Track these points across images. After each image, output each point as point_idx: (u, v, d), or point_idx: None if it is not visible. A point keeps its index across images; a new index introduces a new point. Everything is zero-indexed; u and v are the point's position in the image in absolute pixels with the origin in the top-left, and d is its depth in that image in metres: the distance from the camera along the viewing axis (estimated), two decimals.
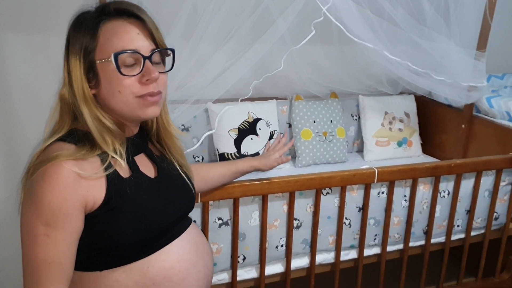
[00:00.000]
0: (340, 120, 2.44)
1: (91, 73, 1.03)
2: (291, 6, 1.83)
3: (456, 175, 1.88)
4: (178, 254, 1.11)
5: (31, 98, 1.97)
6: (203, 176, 1.43)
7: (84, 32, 1.02)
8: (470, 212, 1.97)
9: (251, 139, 2.22)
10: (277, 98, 2.41)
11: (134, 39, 1.02)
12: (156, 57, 1.05)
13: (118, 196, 1.02)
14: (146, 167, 1.12)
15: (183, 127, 2.18)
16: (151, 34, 1.05)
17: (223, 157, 2.18)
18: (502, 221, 2.07)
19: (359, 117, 2.56)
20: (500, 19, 2.62)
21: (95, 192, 1.00)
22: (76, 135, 1.03)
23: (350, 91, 2.55)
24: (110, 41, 1.01)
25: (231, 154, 2.19)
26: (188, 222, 1.19)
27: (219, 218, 1.60)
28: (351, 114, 2.57)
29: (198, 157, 2.26)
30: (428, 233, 1.92)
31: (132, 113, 1.06)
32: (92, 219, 1.01)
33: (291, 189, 1.63)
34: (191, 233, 1.17)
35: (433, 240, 1.95)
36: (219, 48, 1.91)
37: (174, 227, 1.13)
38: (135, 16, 1.04)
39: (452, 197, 1.92)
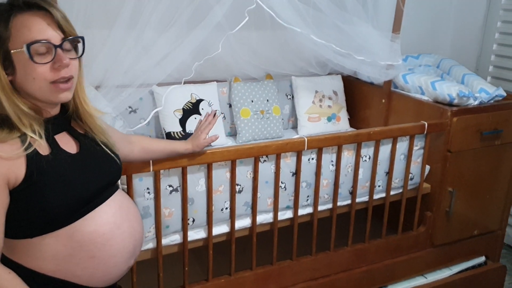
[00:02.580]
0: (275, 99, 2.67)
1: (7, 61, 1.12)
2: None
3: (375, 142, 2.15)
4: (101, 219, 1.23)
5: None
6: (144, 147, 1.61)
7: None
8: (389, 173, 2.25)
9: (195, 118, 2.41)
10: (217, 81, 2.59)
11: (44, 30, 1.13)
12: (67, 45, 1.17)
13: (38, 172, 1.12)
14: (68, 144, 1.23)
15: (130, 108, 2.34)
16: (60, 25, 1.15)
17: (169, 136, 2.36)
18: (417, 181, 2.36)
19: (292, 96, 2.80)
20: (413, 5, 2.96)
21: (16, 169, 1.10)
22: None
23: (284, 72, 2.78)
24: (21, 32, 1.11)
25: (176, 132, 2.37)
26: (113, 189, 1.30)
27: (170, 185, 1.78)
28: (285, 94, 2.81)
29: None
30: (353, 193, 2.18)
31: (46, 98, 1.17)
32: (17, 193, 1.12)
33: (232, 157, 1.83)
34: (116, 200, 1.29)
35: (358, 200, 2.21)
36: (162, 34, 2.03)
37: (98, 196, 1.24)
38: (44, 9, 1.14)
39: (372, 161, 2.19)
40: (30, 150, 1.12)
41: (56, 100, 1.19)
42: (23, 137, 1.13)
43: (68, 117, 1.29)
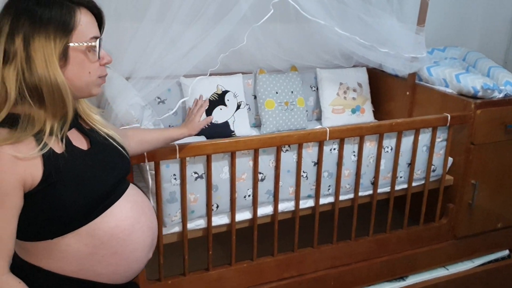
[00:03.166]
0: (300, 91, 2.71)
1: (61, 54, 1.09)
2: None
3: (398, 133, 2.18)
4: (120, 214, 1.22)
5: None
6: (140, 139, 1.58)
7: (59, 15, 1.08)
8: (411, 165, 2.27)
9: (220, 109, 2.48)
10: (243, 73, 2.66)
11: (96, 28, 1.17)
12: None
13: (56, 171, 1.10)
14: (79, 141, 1.21)
15: (159, 99, 2.43)
16: (103, 25, 1.21)
17: None
18: (439, 172, 2.38)
19: (317, 88, 2.84)
20: None
21: (33, 170, 1.07)
22: (10, 119, 1.08)
23: (309, 64, 2.82)
24: (84, 28, 1.12)
25: None
26: (126, 184, 1.29)
27: (195, 172, 1.85)
28: (310, 86, 2.85)
29: (173, 127, 2.51)
30: (374, 183, 2.22)
31: (88, 91, 1.18)
32: (35, 194, 1.08)
33: (255, 146, 1.89)
34: (131, 194, 1.28)
35: (379, 190, 2.24)
36: (189, 27, 2.09)
37: (114, 191, 1.23)
38: (95, 8, 1.17)
39: (394, 152, 2.22)
40: (45, 150, 1.09)
41: (96, 93, 1.21)
42: (37, 135, 1.09)
43: (76, 114, 1.27)
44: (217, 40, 2.11)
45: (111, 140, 1.29)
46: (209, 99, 2.45)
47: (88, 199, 1.15)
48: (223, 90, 2.50)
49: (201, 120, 1.71)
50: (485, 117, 2.30)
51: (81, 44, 1.12)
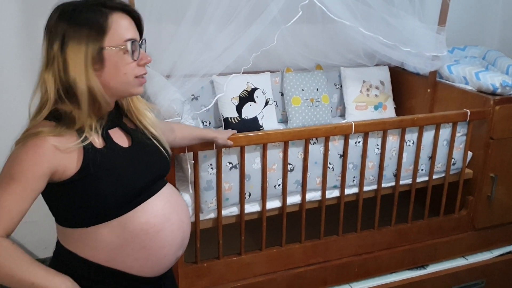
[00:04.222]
0: (324, 89, 2.84)
1: (96, 58, 1.17)
2: None
3: (419, 127, 2.30)
4: (152, 210, 1.28)
5: None
6: (184, 134, 1.73)
7: (91, 21, 1.17)
8: (432, 158, 2.39)
9: (250, 105, 2.63)
10: (270, 71, 2.79)
11: (132, 30, 1.23)
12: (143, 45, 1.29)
13: (93, 164, 1.18)
14: (120, 139, 1.29)
15: (193, 96, 2.59)
16: (141, 27, 1.27)
17: (227, 121, 2.59)
18: (459, 166, 2.48)
19: (341, 86, 2.97)
20: None
21: (69, 162, 1.16)
22: (57, 114, 1.19)
23: (333, 63, 2.94)
24: (118, 30, 1.18)
25: (233, 118, 2.60)
26: (162, 183, 1.35)
27: (230, 162, 2.00)
28: (334, 84, 2.98)
29: (206, 122, 2.68)
30: (397, 175, 2.34)
31: (126, 91, 1.26)
32: (72, 184, 1.17)
33: (285, 139, 2.03)
34: (165, 193, 1.34)
35: (401, 182, 2.36)
36: (222, 29, 2.23)
37: (149, 188, 1.29)
38: (132, 11, 1.25)
39: (416, 146, 2.33)
40: (86, 143, 1.18)
41: (136, 92, 1.29)
42: (79, 130, 1.18)
43: (120, 114, 1.35)
44: (249, 41, 2.24)
45: (154, 140, 1.36)
46: (240, 96, 2.60)
47: (122, 193, 1.22)
48: (253, 87, 2.65)
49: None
50: (503, 113, 2.40)
51: (115, 47, 1.19)
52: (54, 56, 1.17)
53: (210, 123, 2.69)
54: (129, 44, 1.21)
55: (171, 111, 1.86)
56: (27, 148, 1.13)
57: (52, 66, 1.17)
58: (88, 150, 1.19)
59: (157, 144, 1.37)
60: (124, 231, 1.24)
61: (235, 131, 1.95)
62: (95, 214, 1.22)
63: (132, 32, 1.23)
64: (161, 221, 1.30)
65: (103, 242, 1.24)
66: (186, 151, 1.86)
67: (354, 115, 2.89)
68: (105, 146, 1.23)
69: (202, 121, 2.63)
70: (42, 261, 1.20)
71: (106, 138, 1.25)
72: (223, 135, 1.87)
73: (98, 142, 1.22)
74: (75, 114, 1.19)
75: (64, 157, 1.16)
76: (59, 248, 1.30)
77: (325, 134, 2.10)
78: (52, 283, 1.14)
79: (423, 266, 2.54)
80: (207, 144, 1.88)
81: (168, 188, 1.37)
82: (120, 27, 1.20)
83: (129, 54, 1.21)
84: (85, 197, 1.19)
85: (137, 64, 1.24)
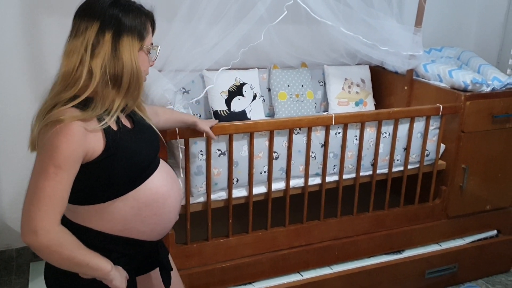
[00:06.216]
0: (309, 85, 3.01)
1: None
2: None
3: (395, 120, 2.47)
4: (159, 182, 1.44)
5: None
6: (167, 118, 1.87)
7: (139, 22, 1.36)
8: (407, 149, 2.56)
9: (239, 99, 2.78)
10: (258, 68, 2.95)
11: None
12: None
13: (113, 144, 1.31)
14: (124, 121, 1.43)
15: (184, 89, 2.74)
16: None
17: (216, 114, 2.74)
18: (433, 157, 2.65)
19: (324, 83, 3.14)
20: (439, 1, 3.25)
21: (96, 143, 1.28)
22: (83, 102, 1.30)
23: (317, 61, 3.10)
24: (148, 36, 1.39)
25: (222, 111, 2.75)
26: (159, 159, 1.52)
27: (219, 149, 2.15)
28: (318, 81, 3.15)
29: (196, 114, 2.82)
30: (374, 165, 2.50)
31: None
32: (95, 164, 1.29)
33: (271, 128, 2.18)
34: (163, 166, 1.51)
35: (378, 171, 2.52)
36: (212, 26, 2.37)
37: (152, 163, 1.45)
38: (154, 21, 1.45)
39: (392, 137, 2.50)
40: (106, 126, 1.31)
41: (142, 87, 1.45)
42: (100, 115, 1.31)
43: None
44: (237, 38, 2.39)
45: (147, 121, 1.52)
46: (229, 90, 2.76)
47: (135, 168, 1.38)
48: (241, 82, 2.80)
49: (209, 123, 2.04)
50: (474, 108, 2.59)
51: (147, 48, 1.40)
52: (104, 45, 1.30)
53: (200, 116, 2.84)
54: (156, 48, 1.43)
55: (163, 100, 2.01)
56: (63, 135, 1.22)
57: (101, 53, 1.29)
58: (109, 132, 1.32)
59: (152, 125, 1.53)
60: (138, 202, 1.38)
61: (217, 121, 2.09)
62: (113, 190, 1.35)
63: (151, 38, 1.43)
64: (167, 190, 1.46)
65: (118, 214, 1.37)
66: (178, 137, 2.00)
67: (337, 111, 3.05)
68: (119, 128, 1.37)
69: (193, 113, 2.78)
70: None
71: (117, 120, 1.38)
72: (204, 123, 1.99)
73: (114, 125, 1.35)
74: (108, 96, 1.32)
75: (92, 140, 1.28)
76: (69, 224, 1.37)
77: (307, 125, 2.26)
78: (101, 263, 1.32)
79: (399, 251, 2.71)
80: (198, 131, 2.02)
81: (163, 162, 1.54)
82: (149, 34, 1.41)
83: (151, 56, 1.43)
84: (105, 175, 1.31)
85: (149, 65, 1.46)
